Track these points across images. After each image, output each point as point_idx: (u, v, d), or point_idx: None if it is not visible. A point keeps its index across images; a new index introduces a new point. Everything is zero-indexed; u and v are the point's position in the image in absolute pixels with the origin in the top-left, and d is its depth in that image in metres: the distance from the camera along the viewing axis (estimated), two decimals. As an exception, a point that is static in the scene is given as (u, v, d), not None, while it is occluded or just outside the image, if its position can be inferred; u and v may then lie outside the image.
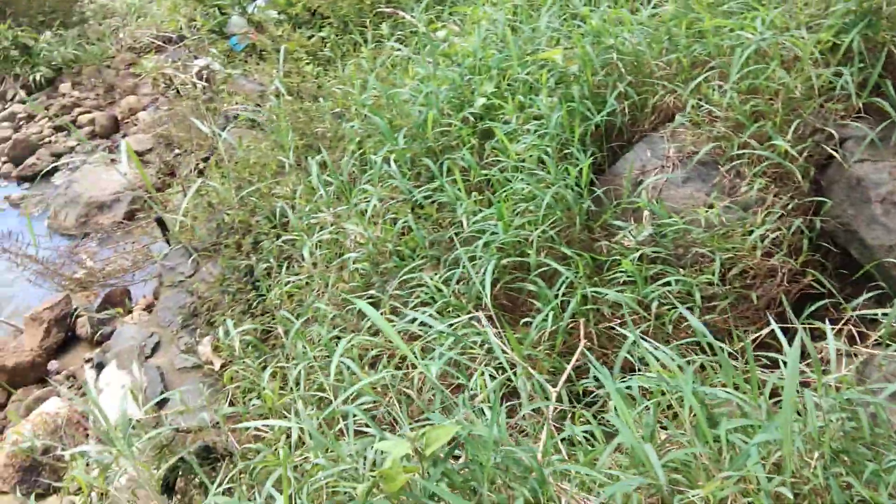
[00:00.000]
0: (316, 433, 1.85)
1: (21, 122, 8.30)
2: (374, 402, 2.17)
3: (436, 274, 2.76)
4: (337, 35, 4.89)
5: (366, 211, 3.12)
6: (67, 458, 3.30)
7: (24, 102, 8.65)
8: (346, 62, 4.47)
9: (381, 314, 2.80)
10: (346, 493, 1.91)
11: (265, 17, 5.16)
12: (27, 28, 8.97)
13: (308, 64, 4.66)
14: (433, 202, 2.99)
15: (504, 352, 2.13)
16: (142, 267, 4.77)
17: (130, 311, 4.68)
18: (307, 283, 3.24)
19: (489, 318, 2.27)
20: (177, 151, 5.05)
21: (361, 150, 3.53)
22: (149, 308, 4.67)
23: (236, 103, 4.99)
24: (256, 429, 2.68)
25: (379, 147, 3.39)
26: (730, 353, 1.90)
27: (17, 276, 5.41)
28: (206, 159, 4.75)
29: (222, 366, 3.30)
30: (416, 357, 1.80)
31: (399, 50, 4.20)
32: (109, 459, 2.44)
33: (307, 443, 2.18)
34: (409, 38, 4.29)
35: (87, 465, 2.88)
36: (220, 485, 2.09)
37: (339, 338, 2.81)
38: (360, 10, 4.91)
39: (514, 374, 2.09)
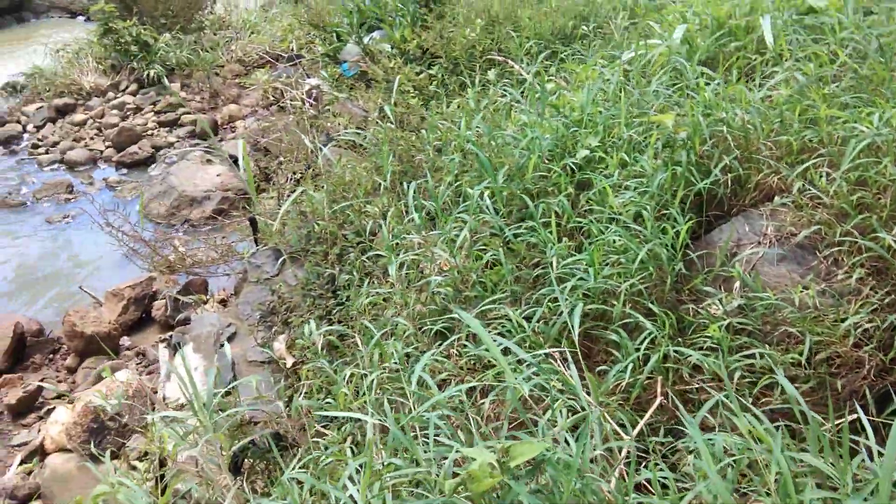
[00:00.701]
0: (398, 432, 1.93)
1: (129, 112, 8.87)
2: (449, 415, 2.24)
3: (516, 310, 2.83)
4: (445, 74, 5.12)
5: (455, 239, 3.24)
6: (138, 425, 3.46)
7: (135, 94, 9.26)
8: (450, 100, 4.68)
9: (456, 339, 2.91)
10: (412, 491, 1.98)
11: (379, 49, 5.44)
12: (150, 28, 9.64)
13: (414, 97, 4.89)
14: (522, 241, 3.09)
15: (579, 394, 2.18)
16: (227, 262, 4.99)
17: (206, 302, 4.89)
18: (386, 298, 3.36)
19: (572, 355, 2.32)
20: (280, 160, 5.31)
21: (458, 183, 3.67)
22: (223, 302, 4.87)
23: (339, 124, 5.24)
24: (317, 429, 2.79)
25: (476, 182, 3.53)
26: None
27: (107, 251, 5.75)
28: (302, 172, 4.99)
29: (294, 363, 3.42)
30: (510, 373, 1.86)
31: (504, 95, 4.39)
32: (187, 430, 2.56)
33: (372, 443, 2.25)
34: (516, 86, 4.46)
35: (156, 435, 3.02)
36: (291, 470, 2.17)
37: (409, 355, 2.93)
38: (471, 54, 5.14)
39: (588, 416, 2.12)
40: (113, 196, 7.03)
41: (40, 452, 3.68)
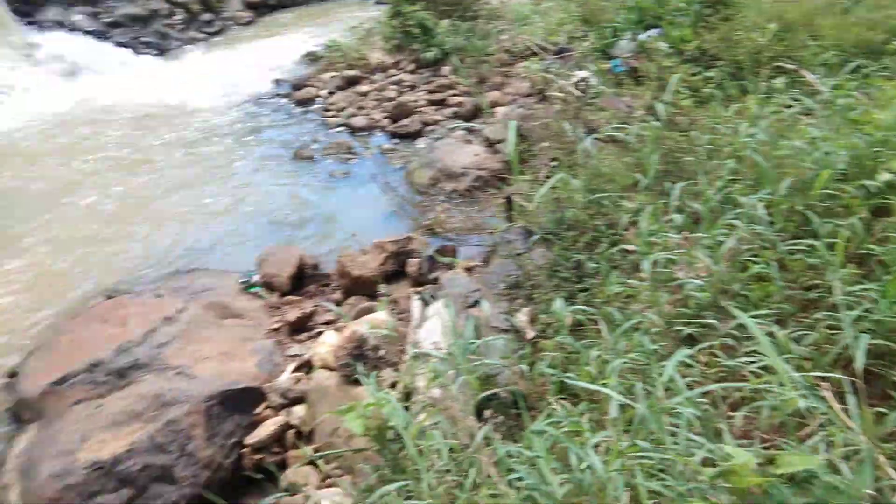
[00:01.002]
0: (649, 414, 1.98)
1: (405, 89, 9.75)
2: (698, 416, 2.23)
3: (780, 329, 2.70)
4: (724, 78, 4.93)
5: (719, 246, 3.16)
6: (392, 360, 3.90)
7: (412, 73, 10.15)
8: (727, 104, 4.50)
9: (708, 347, 2.85)
10: (653, 475, 2.02)
11: (654, 48, 5.38)
12: (432, 13, 10.45)
13: (686, 98, 4.78)
14: (798, 259, 2.92)
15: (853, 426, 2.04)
16: (479, 233, 5.34)
17: (454, 267, 5.28)
18: (634, 294, 3.39)
19: (851, 385, 2.18)
20: (540, 145, 5.53)
21: (728, 190, 3.56)
22: (469, 269, 5.22)
23: (602, 118, 5.30)
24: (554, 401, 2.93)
25: (750, 191, 3.39)
26: None
27: (375, 208, 6.47)
28: (561, 159, 5.15)
29: (534, 337, 3.60)
30: (786, 380, 1.81)
31: (791, 106, 4.12)
32: (440, 370, 2.85)
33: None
34: (807, 97, 4.16)
35: (410, 370, 3.38)
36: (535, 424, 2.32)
37: (654, 351, 2.94)
38: (756, 59, 4.88)
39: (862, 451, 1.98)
40: (384, 161, 7.83)
41: (309, 366, 4.31)
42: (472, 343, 2.97)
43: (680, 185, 3.74)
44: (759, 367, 2.35)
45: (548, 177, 5.37)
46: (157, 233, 6.41)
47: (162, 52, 13.35)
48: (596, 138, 5.26)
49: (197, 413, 3.81)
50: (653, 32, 6.05)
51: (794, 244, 2.98)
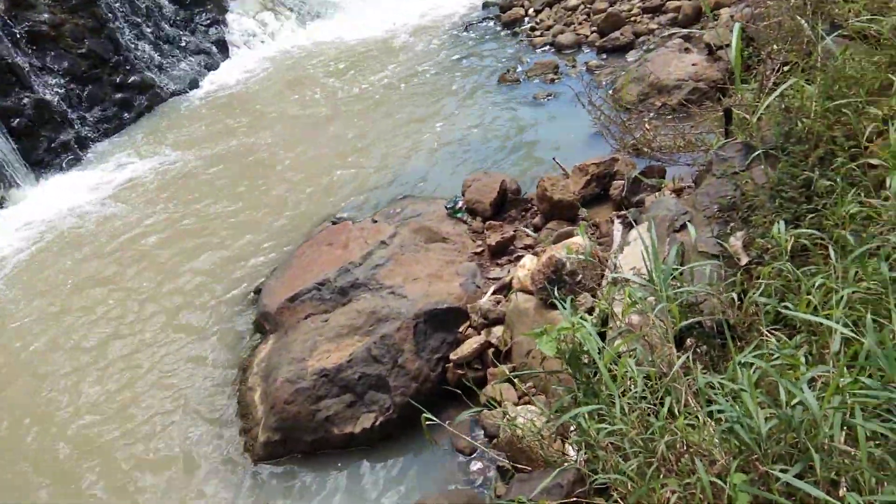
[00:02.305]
0: (877, 348, 1.72)
1: (618, -1, 9.13)
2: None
3: None
4: None
5: None
6: (590, 285, 3.83)
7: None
8: None
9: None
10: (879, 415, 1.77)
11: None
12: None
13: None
14: None
15: None
16: (691, 151, 4.94)
17: (659, 189, 4.97)
18: (875, 214, 2.91)
19: None
20: (769, 49, 4.88)
21: None
22: (678, 191, 4.87)
23: (850, 10, 4.49)
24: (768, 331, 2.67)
25: None
26: None
27: (580, 129, 6.27)
28: (795, 63, 4.49)
29: (748, 262, 3.29)
30: None
31: None
32: (640, 296, 2.73)
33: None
34: None
35: (608, 294, 3.29)
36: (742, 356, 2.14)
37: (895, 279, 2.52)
38: None
39: None
40: (591, 79, 7.50)
41: (508, 289, 4.39)
42: (676, 269, 2.79)
43: (947, 83, 3.08)
44: None
45: (776, 84, 4.74)
46: (376, 163, 6.87)
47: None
48: (840, 35, 4.49)
49: (407, 329, 4.10)
50: None
51: None
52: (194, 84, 10.53)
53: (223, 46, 11.50)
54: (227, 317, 5.20)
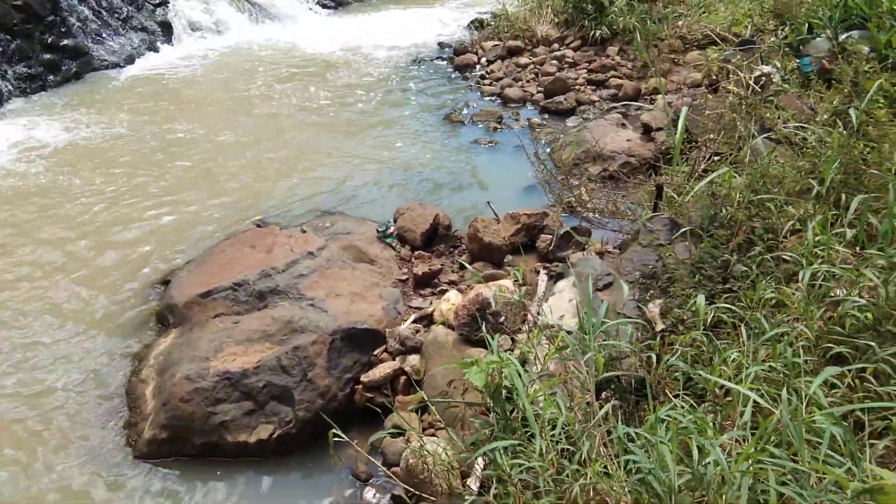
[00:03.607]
0: (789, 420, 1.83)
1: (565, 65, 9.55)
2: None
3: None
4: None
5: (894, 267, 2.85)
6: (511, 328, 3.89)
7: (575, 51, 9.92)
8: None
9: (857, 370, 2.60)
10: (784, 482, 1.88)
11: (855, 49, 4.89)
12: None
13: (882, 108, 4.32)
14: None
15: None
16: (618, 218, 5.17)
17: (584, 248, 5.16)
18: (785, 303, 3.15)
19: None
20: (706, 138, 5.23)
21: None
22: (601, 254, 5.08)
23: (780, 117, 4.91)
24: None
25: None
26: None
27: (514, 180, 6.44)
28: (724, 154, 4.84)
29: (663, 330, 3.45)
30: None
31: None
32: (574, 343, 2.80)
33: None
34: None
35: (533, 339, 3.35)
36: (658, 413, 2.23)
37: (797, 365, 2.72)
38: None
39: None
40: (530, 136, 7.75)
41: (429, 320, 4.39)
42: (605, 322, 2.89)
43: (860, 197, 3.41)
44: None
45: (706, 171, 5.08)
46: (311, 175, 6.76)
47: (337, 6, 14.00)
48: (768, 137, 4.89)
49: (322, 343, 4.00)
50: (854, 34, 5.50)
51: None
52: (130, 60, 10.13)
53: (168, 29, 11.15)
54: (126, 303, 4.90)
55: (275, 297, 4.37)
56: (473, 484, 2.88)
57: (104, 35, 10.10)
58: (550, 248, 5.28)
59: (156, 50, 10.68)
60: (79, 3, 9.85)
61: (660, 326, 3.54)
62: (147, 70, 9.89)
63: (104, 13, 10.34)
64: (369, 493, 3.56)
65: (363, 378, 4.04)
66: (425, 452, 2.97)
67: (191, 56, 10.55)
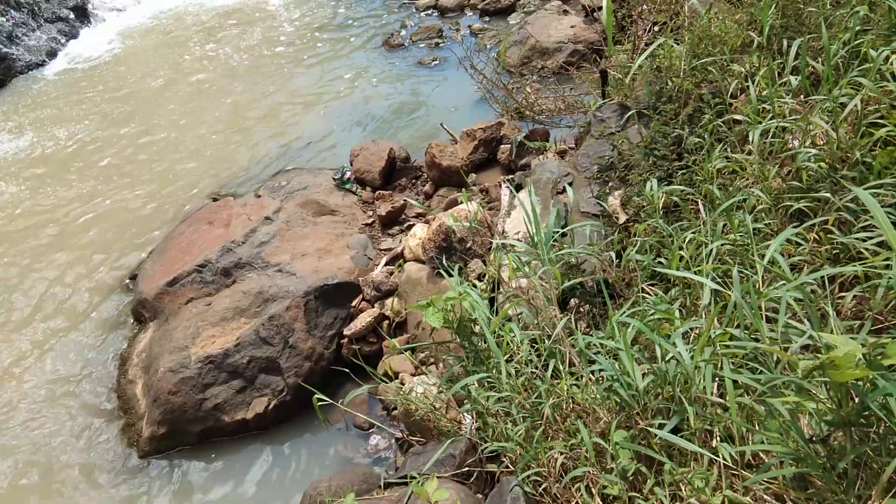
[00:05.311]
0: (743, 301, 1.79)
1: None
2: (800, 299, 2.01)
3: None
4: None
5: (841, 109, 2.75)
6: (480, 251, 3.83)
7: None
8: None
9: (819, 223, 2.55)
10: (744, 365, 1.86)
11: None
12: None
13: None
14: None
15: None
16: (572, 113, 5.02)
17: (546, 151, 5.03)
18: (741, 167, 3.06)
19: None
20: (640, 9, 4.99)
21: (857, 42, 3.05)
22: (562, 153, 4.95)
23: (712, -30, 4.66)
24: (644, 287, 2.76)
25: (882, 42, 2.90)
26: None
27: (466, 94, 6.22)
28: (663, 23, 4.63)
29: (626, 220, 3.38)
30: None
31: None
32: (525, 260, 2.74)
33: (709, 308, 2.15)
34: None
35: (496, 261, 3.29)
36: (620, 315, 2.19)
37: (758, 231, 2.67)
38: None
39: None
40: (475, 42, 7.45)
41: (400, 259, 4.33)
42: (556, 231, 2.82)
43: (799, 40, 3.25)
44: (876, 244, 2.07)
45: (648, 44, 4.88)
46: (260, 134, 6.54)
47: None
48: (706, -5, 4.66)
49: (297, 307, 3.96)
50: None
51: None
52: (52, 55, 9.64)
53: (82, 13, 10.57)
54: (101, 306, 4.84)
55: (240, 270, 4.30)
56: (467, 419, 2.89)
57: (19, 35, 9.59)
58: (511, 158, 5.17)
59: (75, 36, 10.16)
60: (-16, 8, 9.31)
61: (623, 218, 3.47)
62: (72, 61, 9.44)
63: (13, 12, 9.78)
64: (374, 440, 3.61)
65: (346, 331, 4.02)
66: (409, 398, 2.97)
67: (113, 34, 10.04)
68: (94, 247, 5.38)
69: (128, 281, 4.93)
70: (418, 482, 2.08)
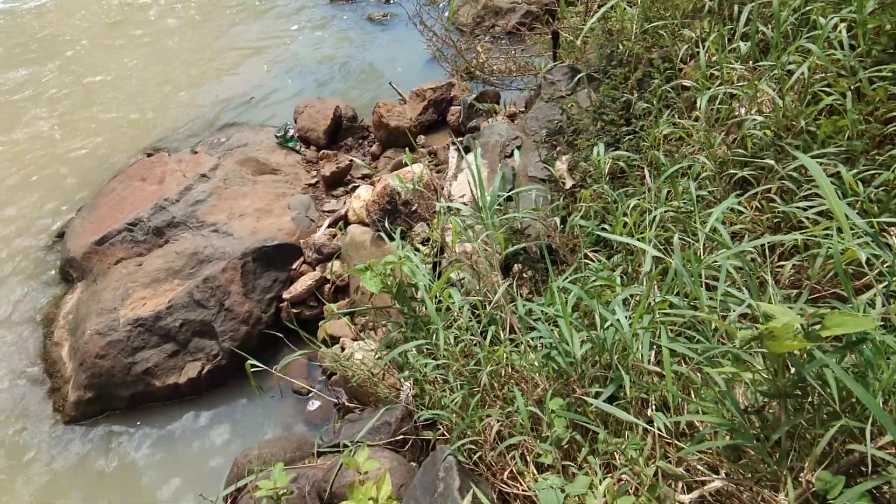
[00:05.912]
0: (683, 269, 1.75)
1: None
2: (740, 268, 1.99)
3: (850, 169, 2.35)
4: None
5: (789, 76, 2.73)
6: (425, 214, 3.73)
7: None
8: None
9: (762, 191, 2.54)
10: (682, 333, 1.83)
11: None
12: None
13: None
14: (880, 87, 2.48)
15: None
16: (522, 75, 4.91)
17: (496, 114, 4.93)
18: (688, 134, 3.03)
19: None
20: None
21: (807, 9, 3.03)
22: (512, 116, 4.87)
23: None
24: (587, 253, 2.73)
25: (832, 9, 2.87)
26: None
27: (416, 52, 6.03)
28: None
29: (573, 186, 3.33)
30: (847, 228, 1.53)
31: None
32: (468, 224, 2.66)
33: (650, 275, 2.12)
34: None
35: (440, 224, 3.21)
36: (562, 281, 2.14)
37: (702, 198, 2.65)
38: None
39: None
40: (427, 0, 7.23)
41: (344, 221, 4.21)
42: (500, 195, 2.74)
43: (750, 6, 3.21)
44: (817, 213, 2.06)
45: (601, 6, 4.79)
46: (201, 87, 6.23)
47: None
48: (658, -42, 4.58)
49: (233, 269, 3.81)
50: None
51: (878, 70, 2.52)
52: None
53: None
54: (26, 266, 4.57)
55: (174, 229, 4.10)
56: (406, 385, 2.83)
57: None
58: (461, 120, 5.05)
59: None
60: None
61: (569, 183, 3.42)
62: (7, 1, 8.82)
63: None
64: (312, 406, 3.53)
65: (285, 294, 3.90)
66: (345, 364, 2.89)
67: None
68: (20, 202, 5.07)
69: (55, 239, 4.66)
70: (349, 452, 2.01)
